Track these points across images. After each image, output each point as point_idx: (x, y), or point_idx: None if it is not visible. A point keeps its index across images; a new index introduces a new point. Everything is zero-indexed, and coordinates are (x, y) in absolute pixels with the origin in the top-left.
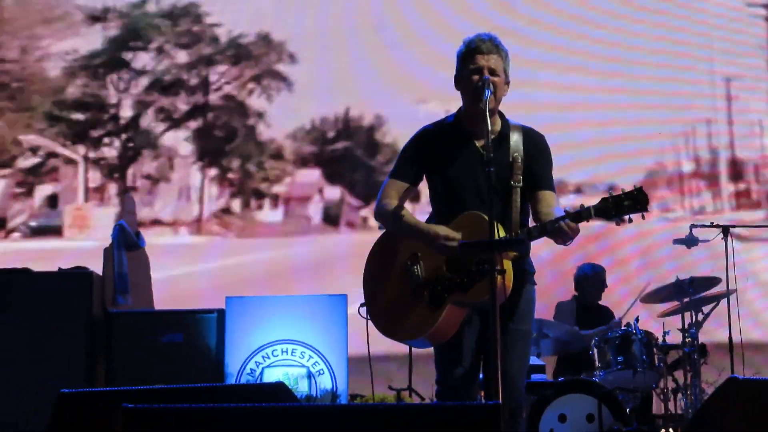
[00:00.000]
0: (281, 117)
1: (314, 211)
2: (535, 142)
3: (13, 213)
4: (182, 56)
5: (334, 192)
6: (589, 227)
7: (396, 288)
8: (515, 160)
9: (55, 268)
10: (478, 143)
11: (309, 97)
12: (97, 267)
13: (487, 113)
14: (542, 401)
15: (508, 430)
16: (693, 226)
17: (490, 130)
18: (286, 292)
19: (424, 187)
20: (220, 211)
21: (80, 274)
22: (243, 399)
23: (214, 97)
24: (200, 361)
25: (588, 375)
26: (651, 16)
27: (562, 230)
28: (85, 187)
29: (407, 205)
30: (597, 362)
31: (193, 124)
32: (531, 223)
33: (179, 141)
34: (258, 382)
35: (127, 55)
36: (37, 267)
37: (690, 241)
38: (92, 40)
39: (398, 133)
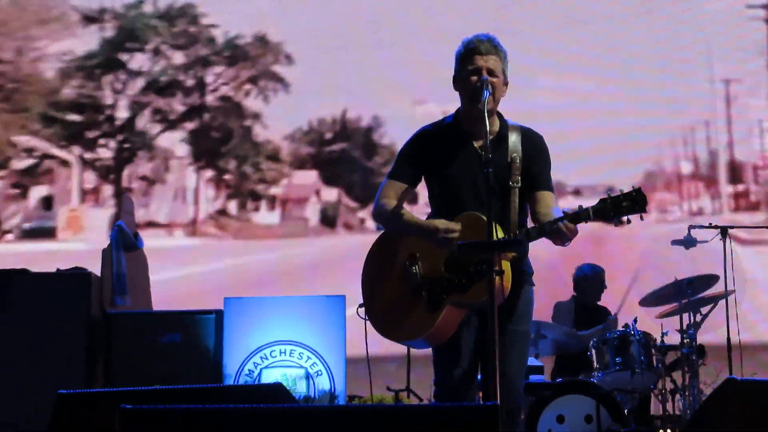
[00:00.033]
0: (278, 118)
1: (311, 212)
2: (533, 143)
3: (8, 215)
4: (178, 57)
5: (331, 194)
6: (586, 228)
7: (394, 289)
8: (513, 160)
9: (48, 271)
10: (477, 144)
11: (306, 98)
12: (90, 269)
13: (486, 114)
14: (540, 402)
15: (506, 431)
16: (691, 227)
17: (489, 130)
18: (283, 294)
19: (421, 189)
20: (216, 212)
21: (79, 275)
22: (241, 400)
23: (210, 99)
24: (198, 361)
25: (586, 376)
26: (650, 18)
27: (560, 231)
28: (80, 188)
29: (405, 206)
30: (595, 363)
31: (190, 126)
32: (529, 224)
33: (175, 142)
34: (256, 383)
35: (123, 56)
36: (31, 270)
37: (688, 242)
38: (88, 41)
39: (396, 135)
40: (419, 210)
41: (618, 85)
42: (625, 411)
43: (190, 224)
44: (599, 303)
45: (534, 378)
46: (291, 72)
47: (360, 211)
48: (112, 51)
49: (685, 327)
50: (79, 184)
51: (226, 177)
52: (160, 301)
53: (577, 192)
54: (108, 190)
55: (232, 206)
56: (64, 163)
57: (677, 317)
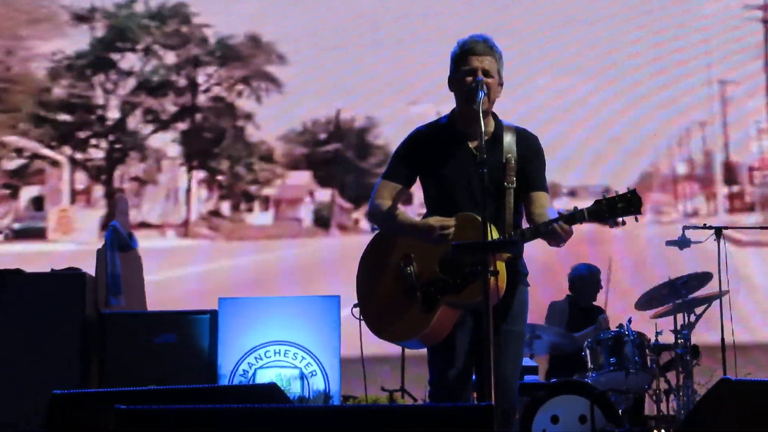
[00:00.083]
0: (271, 119)
1: (305, 213)
2: (528, 143)
3: None
4: (170, 57)
5: (324, 194)
6: (581, 229)
7: (389, 289)
8: (508, 161)
9: (39, 271)
10: (472, 144)
11: (300, 99)
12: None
13: (481, 114)
14: (535, 402)
15: (501, 431)
16: (686, 227)
17: (484, 131)
18: (277, 295)
19: (416, 190)
20: (209, 213)
21: (73, 275)
22: (236, 400)
23: (202, 99)
24: (193, 362)
25: (580, 376)
26: (647, 18)
27: (555, 232)
28: (70, 189)
29: (400, 207)
30: (589, 363)
31: (181, 126)
32: (524, 225)
33: (167, 143)
34: (251, 383)
35: (114, 56)
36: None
37: (682, 243)
38: (79, 40)
39: (390, 136)
40: (414, 210)
41: (614, 85)
42: (620, 411)
43: (182, 225)
44: (594, 303)
45: (528, 378)
46: (285, 72)
47: (354, 212)
48: (102, 51)
49: (679, 327)
50: (69, 185)
51: (219, 177)
52: (153, 302)
53: (572, 193)
54: (99, 190)
55: (225, 207)
56: (55, 163)
57: (671, 317)
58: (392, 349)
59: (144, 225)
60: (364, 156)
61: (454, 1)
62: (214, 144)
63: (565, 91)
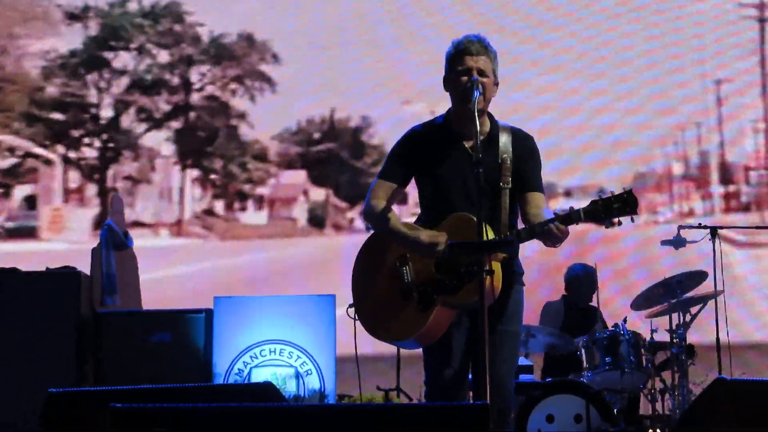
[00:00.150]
0: (265, 118)
1: (299, 212)
2: (524, 144)
3: None
4: (163, 56)
5: (319, 194)
6: (577, 229)
7: (385, 289)
8: (504, 161)
9: (34, 270)
10: (467, 144)
11: (294, 98)
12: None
13: (476, 114)
14: (530, 402)
15: (496, 430)
16: (681, 227)
17: (479, 131)
18: (270, 295)
19: (411, 189)
20: (203, 212)
21: (68, 273)
22: (231, 399)
23: (195, 97)
24: (188, 361)
25: (576, 376)
26: (641, 16)
27: (551, 232)
28: (63, 188)
29: (395, 207)
30: (585, 363)
31: (175, 125)
32: (520, 225)
33: (160, 141)
34: (246, 382)
35: (108, 55)
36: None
37: (678, 243)
38: (72, 39)
39: (385, 135)
40: (409, 210)
41: (609, 85)
42: (615, 411)
43: (176, 224)
44: (590, 303)
45: (524, 377)
46: (279, 72)
47: (349, 212)
48: (96, 49)
49: (674, 327)
50: (62, 184)
51: (213, 177)
52: (147, 301)
53: (567, 193)
54: (92, 189)
55: (219, 206)
56: (48, 162)
57: (666, 317)
58: (387, 348)
59: (137, 224)
60: (358, 155)
61: (448, 1)
62: (208, 143)
63: (559, 91)
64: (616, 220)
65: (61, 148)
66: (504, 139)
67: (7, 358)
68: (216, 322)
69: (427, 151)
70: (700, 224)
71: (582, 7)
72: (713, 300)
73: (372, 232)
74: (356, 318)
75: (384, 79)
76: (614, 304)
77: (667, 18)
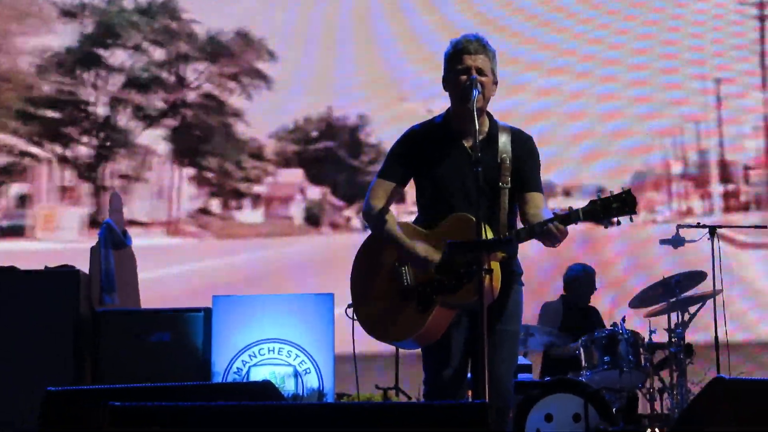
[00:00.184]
0: (262, 116)
1: (296, 211)
2: (523, 144)
3: None
4: (159, 53)
5: (316, 192)
6: (574, 228)
7: (384, 290)
8: (503, 161)
9: (32, 269)
10: (467, 143)
11: (290, 96)
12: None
13: (475, 113)
14: (528, 401)
15: (495, 429)
16: (680, 226)
17: (478, 130)
18: (267, 294)
19: (409, 188)
20: (198, 211)
21: (67, 272)
22: (230, 397)
23: (191, 95)
24: (187, 359)
25: (574, 375)
26: (641, 15)
27: (550, 232)
28: (57, 186)
29: (393, 206)
30: (583, 362)
31: (170, 123)
32: (518, 225)
33: (156, 139)
34: (245, 380)
35: (103, 52)
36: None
37: (676, 242)
38: (67, 36)
39: (382, 133)
40: (406, 209)
41: (607, 84)
42: (614, 410)
43: (171, 223)
44: (589, 304)
45: (522, 377)
46: (275, 69)
47: (346, 210)
48: (91, 47)
49: (673, 326)
50: (56, 182)
51: (209, 175)
52: (144, 300)
53: (566, 192)
54: (87, 188)
55: (215, 205)
56: (41, 160)
57: (665, 317)
58: (386, 346)
59: (132, 222)
60: (356, 154)
61: None
62: (204, 141)
63: (557, 89)
64: (615, 220)
65: (55, 147)
66: (503, 139)
67: (6, 357)
68: (215, 320)
69: (427, 151)
70: (698, 223)
71: (581, 6)
72: (713, 301)
73: (370, 233)
74: (355, 319)
75: (381, 76)
76: (612, 304)
77: (666, 16)
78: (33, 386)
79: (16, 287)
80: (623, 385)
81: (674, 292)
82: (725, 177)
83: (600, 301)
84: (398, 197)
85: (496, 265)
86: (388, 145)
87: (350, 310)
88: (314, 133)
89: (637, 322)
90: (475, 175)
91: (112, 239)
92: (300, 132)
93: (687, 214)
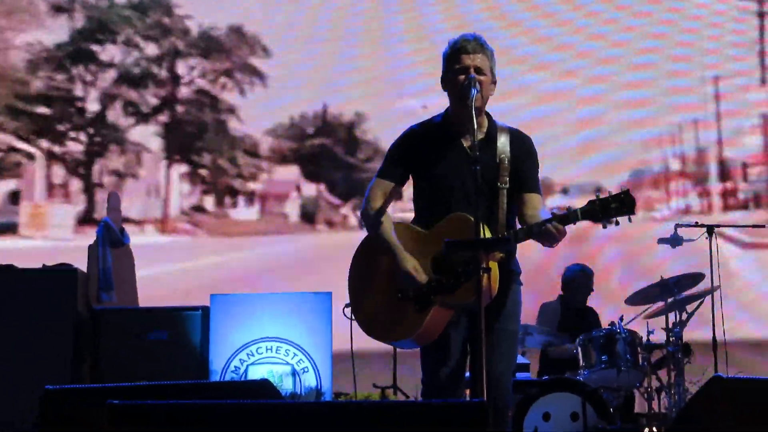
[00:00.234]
0: (256, 113)
1: (291, 208)
2: (522, 145)
3: None
4: (151, 49)
5: (311, 189)
6: (573, 227)
7: (382, 289)
8: (502, 161)
9: (30, 267)
10: (465, 143)
11: (285, 92)
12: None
13: (474, 112)
14: (527, 400)
15: (495, 429)
16: (678, 225)
17: (477, 129)
18: (266, 292)
19: (406, 185)
20: (192, 208)
21: (65, 270)
22: (228, 396)
23: (184, 91)
24: (185, 358)
25: (572, 374)
26: (638, 12)
27: (549, 232)
28: (47, 183)
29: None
30: (581, 361)
31: (163, 119)
32: (517, 225)
33: (148, 136)
34: (243, 379)
35: (95, 47)
36: None
37: (674, 241)
38: (58, 31)
39: (379, 131)
40: (403, 207)
41: (605, 82)
42: (611, 409)
43: (164, 221)
44: (587, 304)
45: (520, 375)
46: (270, 66)
47: (342, 208)
48: (82, 42)
49: (670, 325)
50: (45, 179)
51: (202, 172)
52: (141, 298)
53: (564, 191)
54: (78, 184)
55: (209, 202)
56: (32, 156)
57: (663, 315)
58: (384, 345)
59: (125, 220)
60: (352, 151)
61: None
62: (197, 137)
63: (556, 87)
64: (613, 220)
65: (45, 143)
66: (502, 140)
67: (4, 357)
68: (212, 319)
69: (425, 151)
70: (696, 223)
71: (579, 4)
72: (711, 300)
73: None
74: (352, 318)
75: (377, 73)
76: (610, 303)
77: (665, 13)
78: (31, 385)
79: (14, 286)
80: (621, 384)
81: (672, 292)
82: (724, 174)
83: (599, 301)
84: (396, 196)
85: (494, 265)
86: (384, 142)
87: (348, 310)
88: (310, 130)
89: (634, 321)
90: (473, 174)
91: (110, 238)
92: (296, 129)
93: (685, 212)
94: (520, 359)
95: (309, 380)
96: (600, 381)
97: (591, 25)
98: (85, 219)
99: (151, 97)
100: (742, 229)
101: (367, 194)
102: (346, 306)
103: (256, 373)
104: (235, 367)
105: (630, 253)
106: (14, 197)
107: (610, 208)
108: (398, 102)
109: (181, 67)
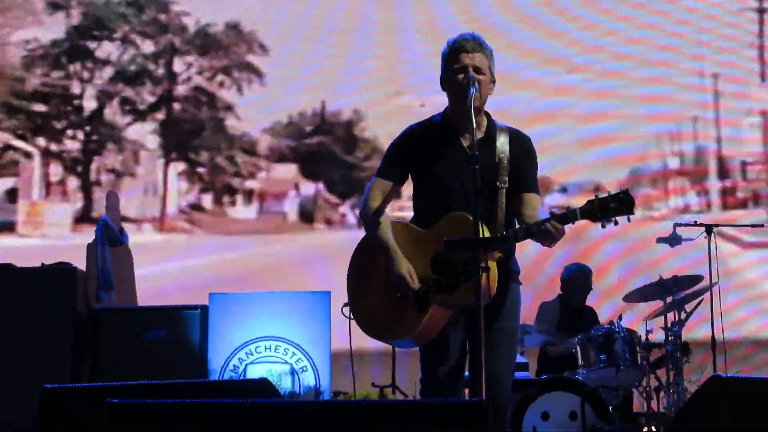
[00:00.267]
0: (254, 110)
1: (290, 207)
2: (521, 145)
3: None
4: (148, 46)
5: (310, 188)
6: (571, 226)
7: (380, 289)
8: (501, 161)
9: (29, 266)
10: (464, 142)
11: (283, 90)
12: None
13: (473, 111)
14: (525, 399)
15: (494, 428)
16: (677, 224)
17: (476, 129)
18: (264, 290)
19: (405, 184)
20: (190, 207)
21: (64, 270)
22: (226, 395)
23: (181, 89)
24: (184, 357)
25: (571, 373)
26: (636, 9)
27: (548, 232)
28: (44, 181)
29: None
30: (580, 360)
31: (160, 117)
32: (516, 225)
33: (145, 134)
34: (241, 378)
35: (91, 45)
36: None
37: (673, 240)
38: (54, 28)
39: (378, 129)
40: (402, 205)
41: (604, 80)
42: (610, 408)
43: (161, 219)
44: (586, 304)
45: (519, 375)
46: (268, 63)
47: (341, 206)
48: (78, 39)
49: (669, 325)
50: (41, 177)
51: (200, 170)
52: (140, 297)
53: (563, 189)
54: (75, 182)
55: (206, 200)
56: (29, 154)
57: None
58: (383, 344)
59: (122, 219)
60: (350, 149)
61: None
62: (194, 135)
63: (555, 86)
64: (612, 219)
65: (42, 141)
66: (502, 139)
67: (3, 356)
68: (211, 318)
69: (425, 150)
70: (696, 222)
71: (576, 2)
72: (710, 301)
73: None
74: (351, 318)
75: (376, 71)
76: (608, 301)
77: (663, 10)
78: (31, 384)
79: (13, 285)
80: (620, 384)
81: (671, 291)
82: (723, 173)
83: (597, 298)
84: (395, 195)
85: (493, 265)
86: (383, 140)
87: (346, 309)
88: (308, 129)
89: (633, 320)
90: (472, 174)
91: (109, 237)
92: (294, 127)
93: (684, 210)
94: (519, 358)
95: (308, 379)
96: (599, 380)
97: (589, 23)
98: (83, 217)
99: (148, 95)
100: (748, 230)
101: (366, 194)
102: (345, 305)
103: (254, 372)
104: (234, 366)
105: (628, 251)
106: (11, 195)
107: (609, 207)
108: (397, 99)
109: (178, 65)
